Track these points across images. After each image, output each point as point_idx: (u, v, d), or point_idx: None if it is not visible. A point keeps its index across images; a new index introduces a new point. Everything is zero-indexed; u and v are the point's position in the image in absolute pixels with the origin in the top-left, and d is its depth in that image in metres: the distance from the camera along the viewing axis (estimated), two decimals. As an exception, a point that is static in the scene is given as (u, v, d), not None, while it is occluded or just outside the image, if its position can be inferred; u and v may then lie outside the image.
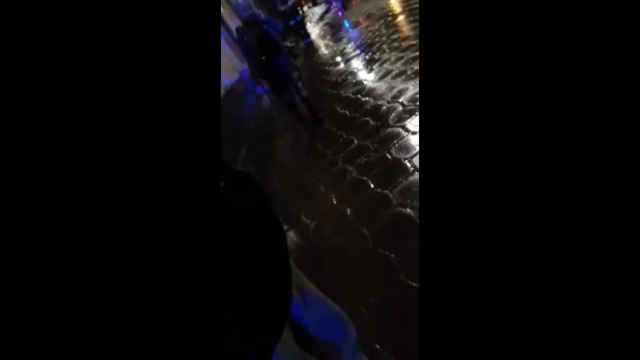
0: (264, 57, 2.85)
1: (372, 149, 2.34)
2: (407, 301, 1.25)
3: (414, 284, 1.29)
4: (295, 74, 3.14)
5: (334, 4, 11.35)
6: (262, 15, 2.88)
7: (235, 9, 2.67)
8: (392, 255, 1.46)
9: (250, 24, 2.75)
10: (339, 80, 4.22)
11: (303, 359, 0.74)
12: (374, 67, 3.83)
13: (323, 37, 8.16)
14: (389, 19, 5.48)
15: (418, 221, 1.53)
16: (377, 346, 1.16)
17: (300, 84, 3.17)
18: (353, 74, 4.14)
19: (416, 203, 1.63)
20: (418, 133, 2.14)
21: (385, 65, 3.61)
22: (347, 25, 7.31)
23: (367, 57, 4.37)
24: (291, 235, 2.05)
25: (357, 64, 4.41)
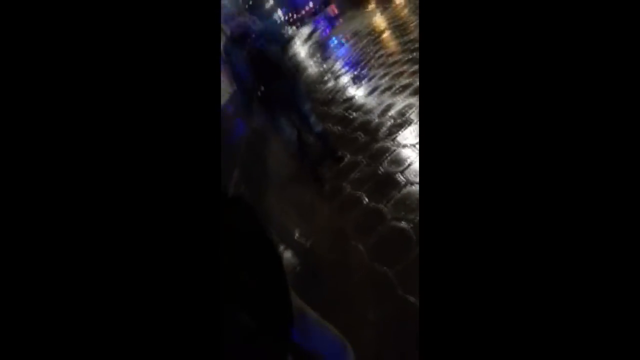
0: (261, 86, 2.00)
1: (364, 163, 2.36)
2: (405, 316, 1.24)
3: (411, 299, 1.28)
4: (307, 107, 2.32)
5: (321, 23, 11.66)
6: (257, 24, 1.99)
7: None
8: (389, 270, 1.45)
9: (238, 39, 1.90)
10: (329, 97, 4.29)
11: None
12: (362, 83, 3.91)
13: (311, 56, 8.33)
14: (375, 36, 5.63)
15: (413, 234, 1.54)
16: (378, 364, 1.14)
17: (313, 118, 2.36)
18: (342, 91, 4.21)
19: (410, 216, 1.63)
20: (410, 146, 2.17)
21: (373, 81, 3.69)
22: (334, 43, 7.49)
23: (355, 74, 4.47)
24: (287, 256, 2.03)
25: (345, 81, 4.50)
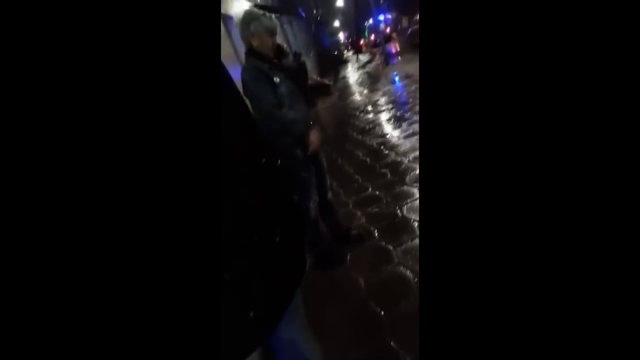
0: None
1: (384, 201, 2.37)
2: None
3: (395, 347, 1.27)
4: (330, 195, 1.92)
5: (377, 57, 11.94)
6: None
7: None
8: (382, 313, 1.45)
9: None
10: (367, 128, 4.36)
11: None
12: (402, 125, 3.96)
13: (361, 84, 8.50)
14: (427, 84, 5.71)
15: (414, 284, 1.53)
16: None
17: (327, 180, 1.88)
18: (381, 125, 4.28)
19: (416, 267, 1.63)
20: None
21: (413, 126, 3.73)
22: (386, 78, 7.64)
23: (397, 113, 4.53)
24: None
25: (386, 117, 4.56)
